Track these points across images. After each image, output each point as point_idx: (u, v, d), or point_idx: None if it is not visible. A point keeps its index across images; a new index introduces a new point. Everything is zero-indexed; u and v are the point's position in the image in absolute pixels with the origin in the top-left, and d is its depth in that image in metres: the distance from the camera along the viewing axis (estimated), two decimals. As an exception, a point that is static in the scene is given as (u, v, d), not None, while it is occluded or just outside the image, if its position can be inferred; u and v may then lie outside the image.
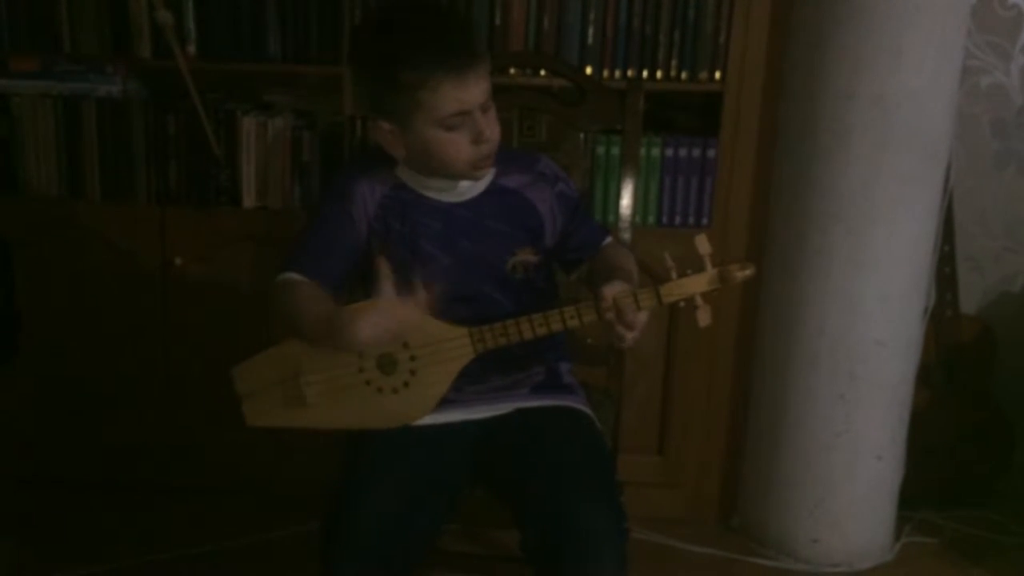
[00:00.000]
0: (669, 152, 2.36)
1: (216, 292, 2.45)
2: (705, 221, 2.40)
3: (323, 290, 1.60)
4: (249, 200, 2.42)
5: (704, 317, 1.55)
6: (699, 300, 1.55)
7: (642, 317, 1.54)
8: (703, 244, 1.53)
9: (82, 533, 2.41)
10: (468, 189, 1.71)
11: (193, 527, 2.42)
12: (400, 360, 1.61)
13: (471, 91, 1.56)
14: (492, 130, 1.61)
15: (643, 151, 2.32)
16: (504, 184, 1.73)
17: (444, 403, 1.65)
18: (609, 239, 1.79)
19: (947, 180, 2.36)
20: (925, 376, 2.49)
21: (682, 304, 1.55)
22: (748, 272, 1.55)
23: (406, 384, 1.62)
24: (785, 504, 2.42)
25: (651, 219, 2.40)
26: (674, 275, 1.54)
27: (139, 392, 2.53)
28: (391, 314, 1.50)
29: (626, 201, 2.12)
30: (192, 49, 2.35)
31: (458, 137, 1.59)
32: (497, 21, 2.31)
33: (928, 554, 2.47)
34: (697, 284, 1.54)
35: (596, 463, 1.67)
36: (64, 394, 2.53)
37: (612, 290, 1.53)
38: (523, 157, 1.79)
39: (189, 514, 2.48)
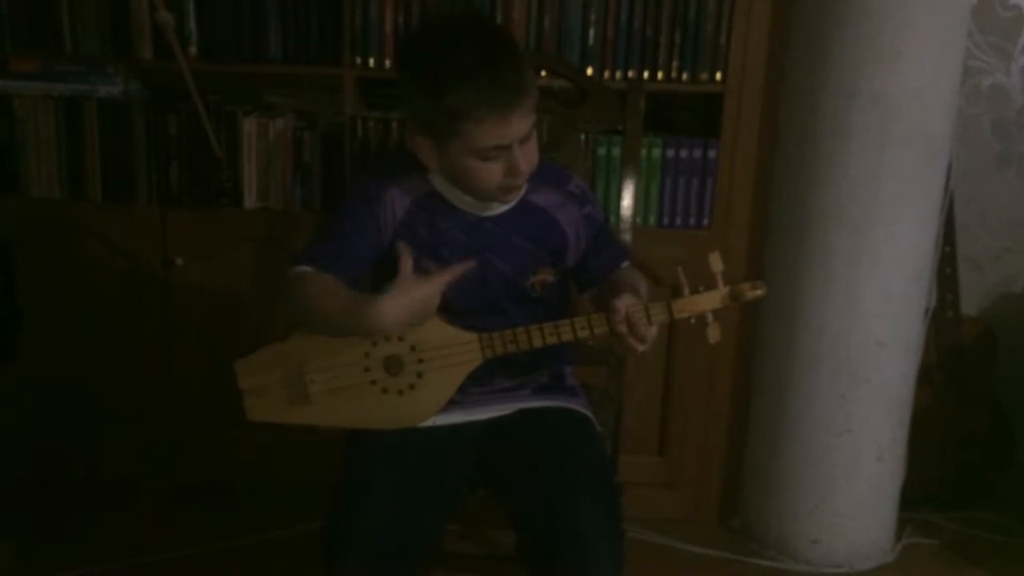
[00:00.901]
0: (670, 153, 2.36)
1: (217, 293, 2.45)
2: (706, 222, 2.40)
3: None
4: (250, 201, 2.42)
5: (714, 334, 1.57)
6: (710, 317, 1.56)
7: (653, 331, 1.55)
8: (716, 262, 1.53)
9: (82, 533, 2.41)
10: (499, 204, 1.69)
11: (193, 527, 2.42)
12: (407, 362, 1.61)
13: (514, 128, 1.55)
14: (528, 161, 1.59)
15: (644, 152, 2.32)
16: (534, 201, 1.72)
17: (447, 403, 1.65)
18: (627, 263, 1.80)
19: (947, 180, 2.36)
20: (926, 376, 2.49)
21: (693, 320, 1.56)
22: (760, 292, 1.56)
23: (411, 386, 1.62)
24: (785, 504, 2.42)
25: (652, 220, 2.39)
26: (686, 291, 1.55)
27: (139, 392, 2.53)
28: (413, 292, 1.49)
29: (627, 202, 2.13)
30: (193, 50, 2.35)
31: (493, 167, 1.58)
32: (498, 21, 2.31)
33: (929, 555, 2.47)
34: (709, 301, 1.55)
35: (594, 465, 1.67)
36: (64, 394, 2.53)
37: (625, 303, 1.54)
38: (555, 175, 1.77)
39: (189, 514, 2.48)
